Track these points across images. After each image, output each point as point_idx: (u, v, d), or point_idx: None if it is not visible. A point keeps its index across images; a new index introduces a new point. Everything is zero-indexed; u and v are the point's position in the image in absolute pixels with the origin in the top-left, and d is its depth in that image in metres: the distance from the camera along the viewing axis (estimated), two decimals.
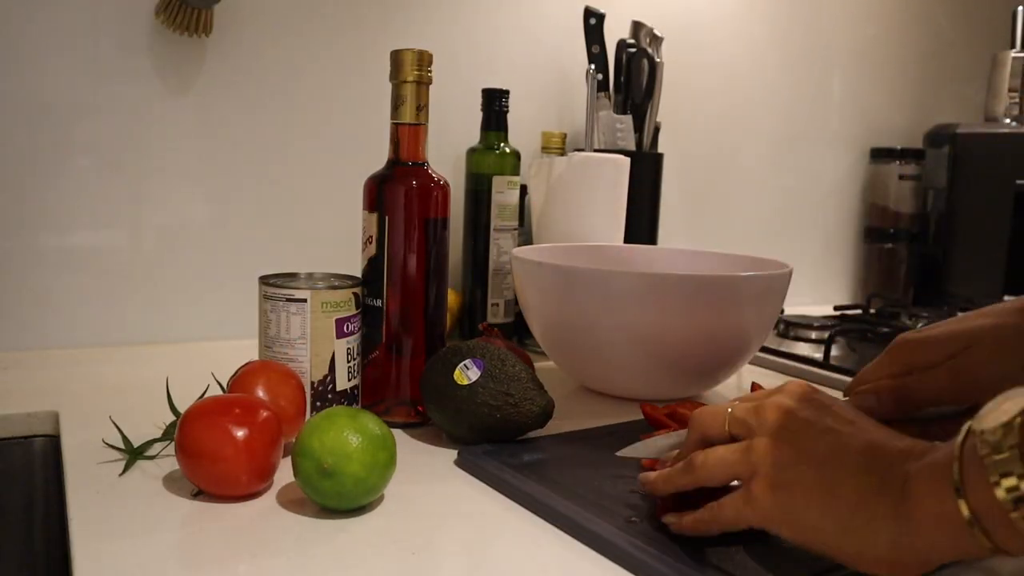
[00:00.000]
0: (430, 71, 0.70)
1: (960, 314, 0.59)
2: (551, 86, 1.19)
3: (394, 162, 0.71)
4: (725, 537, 0.50)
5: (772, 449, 0.45)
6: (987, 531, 0.37)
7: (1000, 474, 0.36)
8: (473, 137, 1.04)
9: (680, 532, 0.49)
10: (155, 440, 0.62)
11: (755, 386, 0.77)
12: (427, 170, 0.71)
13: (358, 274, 0.72)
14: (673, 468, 0.50)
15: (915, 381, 0.53)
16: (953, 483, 0.38)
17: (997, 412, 0.37)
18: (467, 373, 0.64)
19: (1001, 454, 0.36)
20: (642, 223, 1.09)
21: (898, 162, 1.49)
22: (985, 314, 0.56)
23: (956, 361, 0.55)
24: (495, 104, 1.01)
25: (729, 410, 0.49)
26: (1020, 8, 1.41)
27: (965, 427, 0.38)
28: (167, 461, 0.60)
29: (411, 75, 0.69)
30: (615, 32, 1.13)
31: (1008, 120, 1.39)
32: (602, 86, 1.10)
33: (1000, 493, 0.36)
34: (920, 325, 1.19)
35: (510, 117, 1.02)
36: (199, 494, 0.55)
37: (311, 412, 0.66)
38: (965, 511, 0.37)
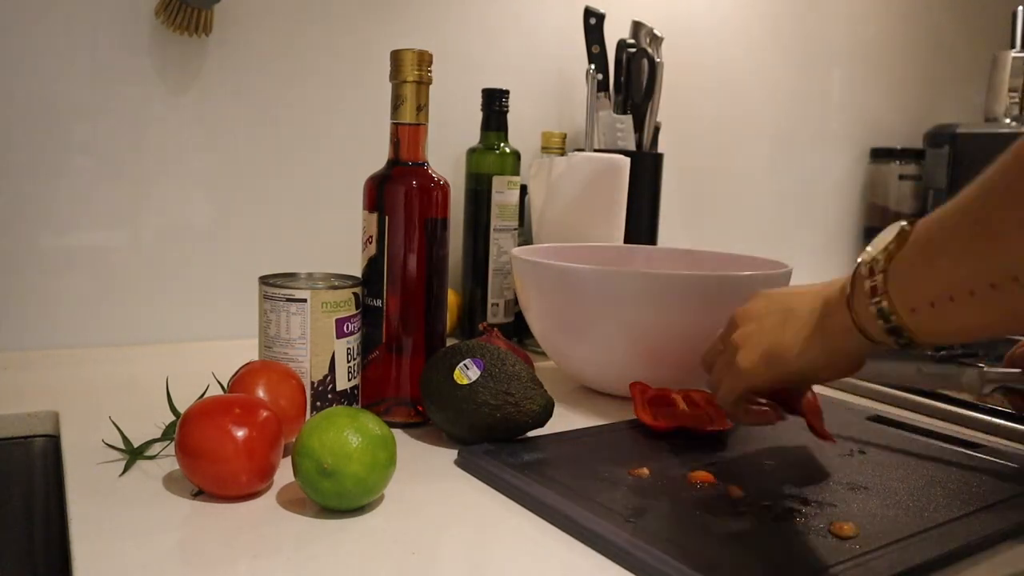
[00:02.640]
0: (430, 71, 0.70)
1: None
2: (551, 86, 1.19)
3: (394, 162, 0.71)
4: (726, 536, 0.50)
5: (738, 329, 0.62)
6: (869, 331, 0.50)
7: (871, 294, 0.49)
8: (473, 137, 1.04)
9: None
10: (155, 440, 0.62)
11: None
12: (427, 170, 0.71)
13: (358, 274, 0.72)
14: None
15: None
16: (847, 302, 0.52)
17: (873, 243, 0.49)
18: (467, 373, 0.64)
19: (873, 279, 0.49)
20: (642, 223, 1.09)
21: (898, 162, 1.49)
22: None
23: None
24: (495, 104, 1.01)
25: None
26: (1020, 8, 1.41)
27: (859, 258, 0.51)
28: (167, 461, 0.60)
29: (411, 75, 0.69)
30: (615, 32, 1.13)
31: (1008, 120, 1.39)
32: (602, 86, 1.10)
33: (872, 309, 0.49)
34: None
35: (510, 117, 1.02)
36: (199, 494, 0.55)
37: (311, 412, 0.66)
38: (850, 322, 0.52)
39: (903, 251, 0.47)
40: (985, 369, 0.72)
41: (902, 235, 0.48)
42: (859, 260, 0.50)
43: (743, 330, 0.61)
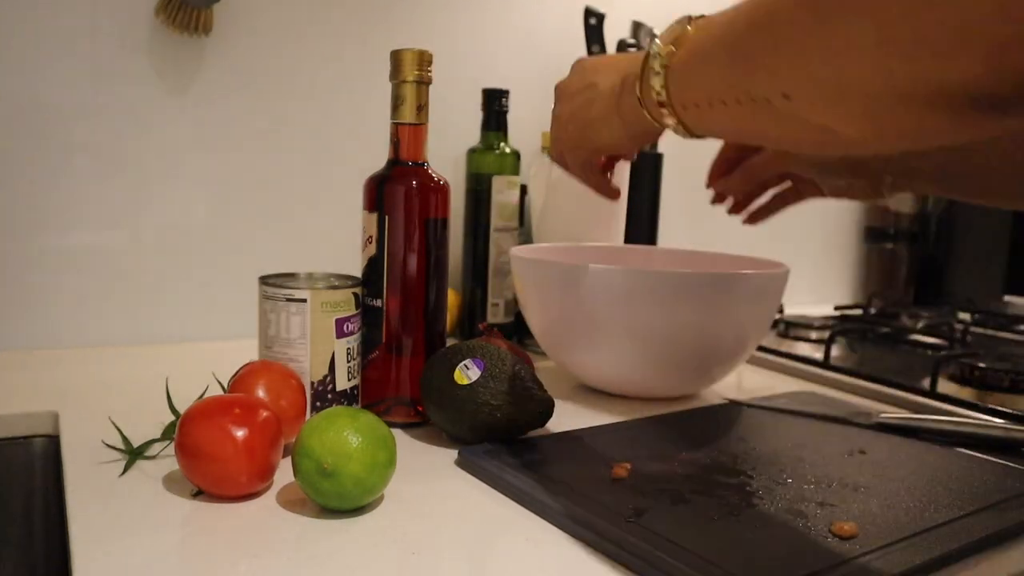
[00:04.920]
0: (430, 71, 0.70)
1: None
2: (551, 86, 1.18)
3: (394, 162, 0.71)
4: (726, 537, 0.50)
5: (557, 105, 0.69)
6: (653, 116, 0.55)
7: (654, 79, 0.52)
8: (473, 137, 1.04)
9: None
10: (155, 440, 0.62)
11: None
12: (427, 170, 0.71)
13: (358, 274, 0.72)
14: None
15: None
16: (636, 87, 0.56)
17: (663, 35, 0.52)
18: (467, 373, 0.64)
19: (657, 72, 0.52)
20: (642, 223, 1.09)
21: None
22: None
23: None
24: (495, 104, 1.01)
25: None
26: None
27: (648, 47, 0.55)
28: (167, 461, 0.60)
29: (411, 75, 0.69)
30: (615, 32, 1.13)
31: None
32: None
33: (655, 98, 0.52)
34: (920, 324, 1.19)
35: (510, 117, 1.02)
36: (199, 494, 0.55)
37: (311, 412, 0.66)
38: (639, 107, 0.56)
39: (679, 52, 0.51)
40: None
41: (683, 36, 0.50)
42: (650, 50, 0.52)
43: (561, 108, 0.68)
